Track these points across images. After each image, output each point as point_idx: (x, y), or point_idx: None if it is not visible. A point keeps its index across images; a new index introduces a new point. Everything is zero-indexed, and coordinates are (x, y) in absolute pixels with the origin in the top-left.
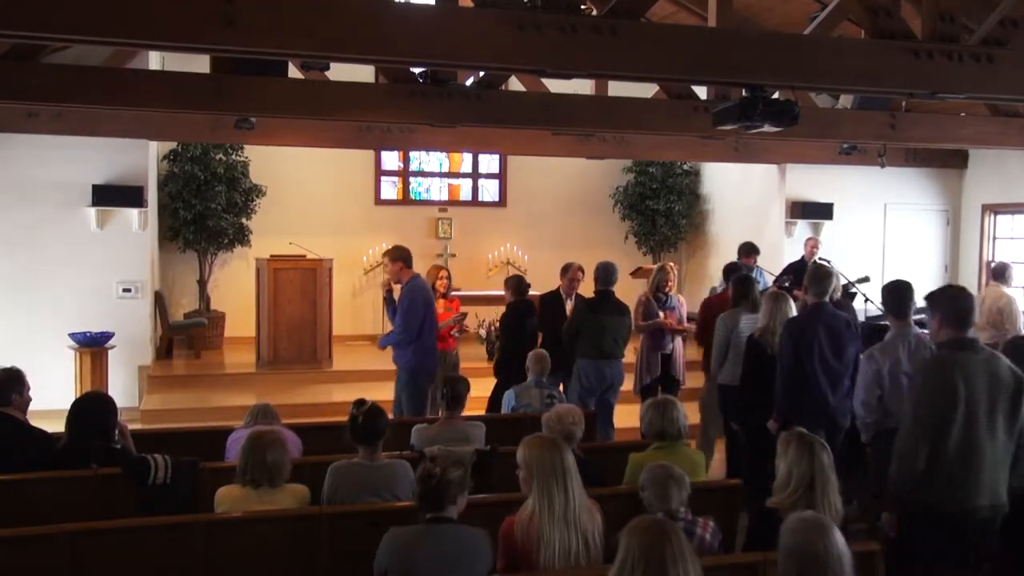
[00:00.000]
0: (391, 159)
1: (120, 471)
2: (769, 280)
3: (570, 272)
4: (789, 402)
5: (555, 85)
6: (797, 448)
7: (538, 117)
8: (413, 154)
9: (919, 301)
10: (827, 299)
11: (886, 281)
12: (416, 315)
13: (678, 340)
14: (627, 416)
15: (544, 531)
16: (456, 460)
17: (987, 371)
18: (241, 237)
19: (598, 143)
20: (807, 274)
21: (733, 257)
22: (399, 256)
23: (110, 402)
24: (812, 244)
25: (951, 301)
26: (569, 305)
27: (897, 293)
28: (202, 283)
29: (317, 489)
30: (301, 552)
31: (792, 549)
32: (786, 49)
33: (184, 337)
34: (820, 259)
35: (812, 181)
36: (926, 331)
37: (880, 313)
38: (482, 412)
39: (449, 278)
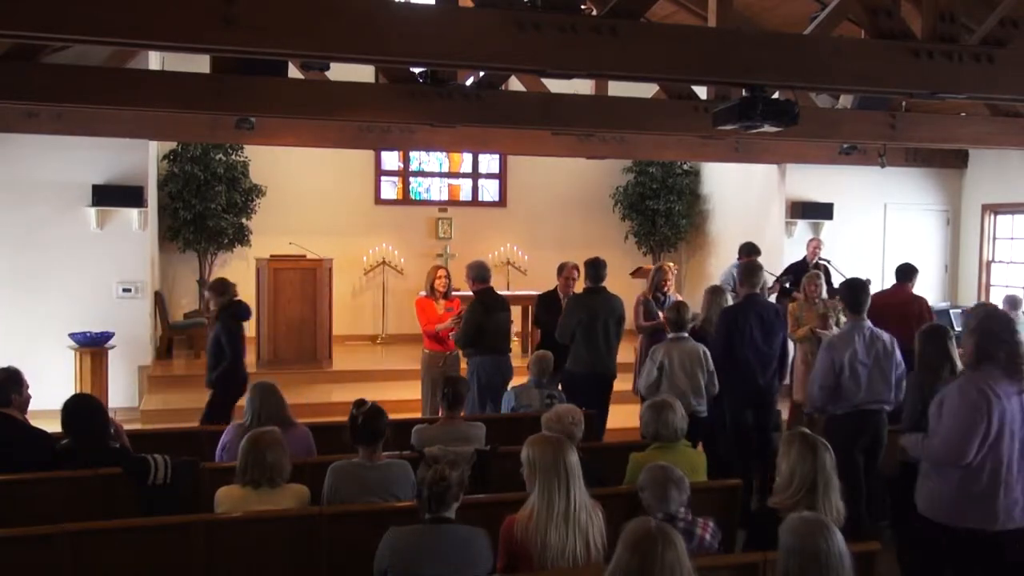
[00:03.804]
0: (391, 159)
1: (120, 471)
2: (769, 280)
3: (565, 271)
4: (723, 382)
5: (555, 85)
6: (800, 449)
7: (538, 117)
8: (413, 154)
9: None
10: (757, 291)
11: (886, 282)
12: None
13: None
14: (626, 416)
15: (544, 531)
16: (454, 460)
17: (604, 303)
18: (241, 237)
19: (598, 143)
20: (739, 269)
21: (733, 257)
22: None
23: (94, 401)
24: (815, 245)
25: (594, 267)
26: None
27: (854, 291)
28: (202, 283)
29: (317, 489)
30: (301, 552)
31: (793, 548)
32: (786, 49)
33: (184, 337)
34: (821, 259)
35: (812, 181)
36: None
37: None
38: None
39: (448, 278)
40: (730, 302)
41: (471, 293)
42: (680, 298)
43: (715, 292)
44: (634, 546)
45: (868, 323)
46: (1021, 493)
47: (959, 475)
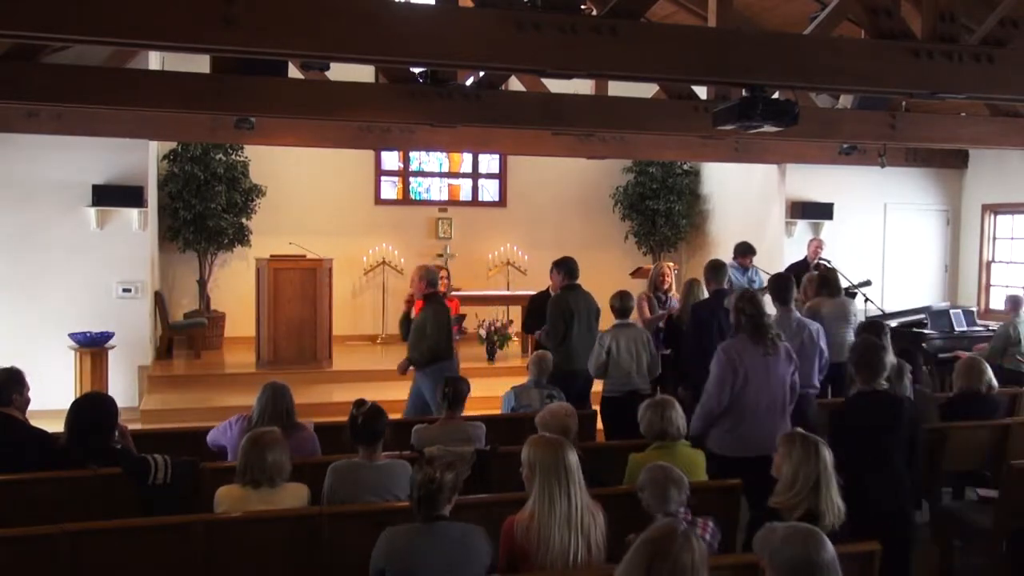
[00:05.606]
0: (391, 159)
1: (120, 471)
2: (765, 280)
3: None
4: (693, 372)
5: (555, 85)
6: (802, 449)
7: (538, 117)
8: (413, 154)
9: None
10: (725, 286)
11: (886, 282)
12: None
13: None
14: None
15: (546, 533)
16: (449, 462)
17: (584, 301)
18: (241, 237)
19: (598, 143)
20: (705, 268)
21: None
22: None
23: (109, 402)
24: (816, 245)
25: (566, 265)
26: None
27: (780, 285)
28: (202, 283)
29: (317, 489)
30: (301, 552)
31: (787, 560)
32: (786, 49)
33: (184, 337)
34: (821, 259)
35: (812, 181)
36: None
37: (880, 313)
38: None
39: (448, 278)
40: (706, 295)
41: (420, 297)
42: (679, 297)
43: (691, 285)
44: (652, 542)
45: (795, 313)
46: (769, 431)
47: (724, 417)
